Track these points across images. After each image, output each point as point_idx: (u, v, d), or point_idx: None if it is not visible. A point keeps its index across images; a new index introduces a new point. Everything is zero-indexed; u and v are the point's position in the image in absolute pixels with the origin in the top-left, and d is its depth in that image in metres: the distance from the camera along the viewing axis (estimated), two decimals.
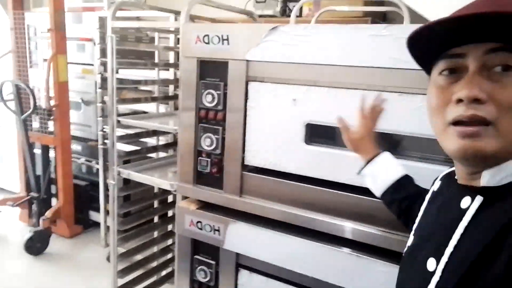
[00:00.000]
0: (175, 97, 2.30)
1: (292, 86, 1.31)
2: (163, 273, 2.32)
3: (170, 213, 2.38)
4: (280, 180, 1.38)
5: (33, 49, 3.24)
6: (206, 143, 1.49)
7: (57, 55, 2.75)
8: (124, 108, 2.86)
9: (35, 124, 3.07)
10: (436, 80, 0.64)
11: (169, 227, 2.34)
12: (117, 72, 1.90)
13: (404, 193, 1.00)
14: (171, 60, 2.33)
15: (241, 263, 1.48)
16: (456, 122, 0.58)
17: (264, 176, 1.41)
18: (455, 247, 0.61)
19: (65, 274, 2.67)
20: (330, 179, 1.29)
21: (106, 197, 2.91)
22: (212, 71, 1.45)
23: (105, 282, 2.37)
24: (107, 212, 2.97)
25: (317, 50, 1.25)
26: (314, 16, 2.46)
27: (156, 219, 2.32)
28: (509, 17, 0.53)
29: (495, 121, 0.56)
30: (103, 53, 2.59)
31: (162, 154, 2.28)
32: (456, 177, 0.68)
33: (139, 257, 2.17)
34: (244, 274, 1.49)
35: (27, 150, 2.96)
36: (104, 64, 2.61)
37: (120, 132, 2.24)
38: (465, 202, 0.62)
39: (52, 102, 2.81)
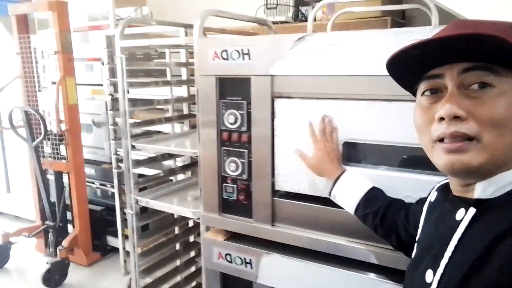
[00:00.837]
0: (189, 115, 2.17)
1: (325, 101, 1.17)
2: None
3: (191, 239, 2.25)
4: (317, 205, 1.24)
5: (41, 72, 3.15)
6: (231, 167, 1.35)
7: (65, 77, 2.66)
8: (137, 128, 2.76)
9: (47, 149, 2.97)
10: (420, 101, 0.67)
11: (191, 253, 2.21)
12: (128, 92, 1.78)
13: (375, 205, 1.03)
14: (183, 76, 2.21)
15: None
16: (441, 139, 0.61)
17: (298, 202, 1.27)
18: (450, 258, 0.62)
19: None
20: None
21: (123, 221, 2.80)
22: (232, 89, 1.32)
23: None
24: (125, 237, 2.86)
25: (352, 60, 1.10)
26: (330, 19, 2.32)
27: (177, 245, 2.18)
28: (472, 39, 0.55)
29: (478, 136, 0.58)
30: (112, 73, 2.48)
31: (179, 177, 2.16)
32: (451, 188, 0.69)
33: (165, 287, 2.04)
34: None
35: (40, 178, 2.86)
36: (113, 84, 2.50)
37: (134, 154, 2.14)
38: (459, 214, 0.64)
39: (63, 126, 2.71)
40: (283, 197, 1.31)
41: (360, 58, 1.09)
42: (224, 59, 1.30)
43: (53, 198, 2.95)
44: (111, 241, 3.12)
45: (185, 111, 2.20)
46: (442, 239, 0.65)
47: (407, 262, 0.78)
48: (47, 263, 2.69)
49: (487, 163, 0.58)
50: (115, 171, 2.62)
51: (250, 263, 1.36)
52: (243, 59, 1.26)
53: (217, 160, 1.38)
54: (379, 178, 1.12)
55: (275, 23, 2.72)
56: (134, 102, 1.79)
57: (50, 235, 2.97)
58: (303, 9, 2.70)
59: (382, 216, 1.01)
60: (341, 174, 1.11)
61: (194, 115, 2.20)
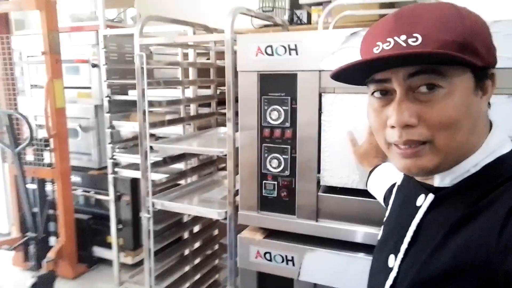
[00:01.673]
0: (198, 116, 2.13)
1: None
2: None
3: (196, 245, 2.20)
4: (362, 199, 1.25)
5: (18, 75, 2.97)
6: (273, 164, 1.34)
7: (52, 79, 2.52)
8: (129, 132, 2.66)
9: (28, 156, 2.79)
10: (371, 102, 0.66)
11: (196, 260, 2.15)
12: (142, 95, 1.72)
13: None
14: (190, 76, 2.16)
15: None
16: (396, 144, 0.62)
17: (345, 197, 1.27)
18: (409, 244, 0.64)
19: None
20: None
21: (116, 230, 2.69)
22: (274, 85, 1.31)
23: None
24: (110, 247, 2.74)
25: None
26: (330, 22, 2.38)
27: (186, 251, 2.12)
28: (414, 55, 0.55)
29: (431, 139, 0.58)
30: (110, 74, 2.39)
31: (189, 179, 2.10)
32: None
33: None
34: None
35: (22, 186, 2.68)
36: (111, 86, 2.40)
37: (134, 158, 2.03)
38: (419, 200, 0.65)
39: (51, 131, 2.56)
40: (325, 192, 1.31)
41: None
42: (268, 54, 1.29)
43: (35, 208, 2.77)
44: (98, 251, 2.97)
45: (192, 113, 2.15)
46: (403, 224, 0.67)
47: None
48: (33, 277, 2.51)
49: (442, 163, 0.60)
50: (111, 176, 2.52)
51: (292, 260, 1.35)
52: (290, 54, 1.26)
53: (257, 157, 1.36)
54: None
55: (270, 26, 2.75)
56: (151, 103, 1.72)
57: (31, 248, 2.78)
58: (298, 12, 2.75)
59: None
60: (376, 166, 1.13)
61: (202, 116, 2.17)
